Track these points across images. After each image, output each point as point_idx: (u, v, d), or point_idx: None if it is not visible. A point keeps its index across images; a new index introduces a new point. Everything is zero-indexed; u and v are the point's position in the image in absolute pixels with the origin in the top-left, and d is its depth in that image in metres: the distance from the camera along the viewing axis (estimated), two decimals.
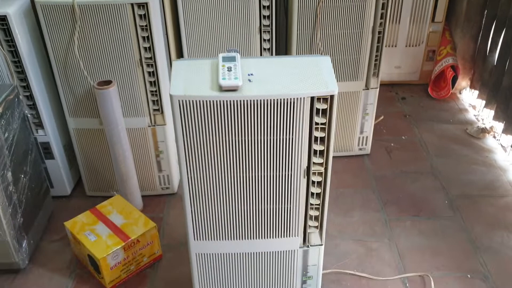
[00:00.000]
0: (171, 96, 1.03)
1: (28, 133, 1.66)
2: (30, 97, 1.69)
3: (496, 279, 1.56)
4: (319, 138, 1.11)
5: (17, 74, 1.64)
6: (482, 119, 2.37)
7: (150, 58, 1.63)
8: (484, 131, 2.25)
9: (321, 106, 1.06)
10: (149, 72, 1.66)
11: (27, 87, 1.67)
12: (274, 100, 1.03)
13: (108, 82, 1.61)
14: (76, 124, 1.78)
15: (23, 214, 1.59)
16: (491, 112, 2.29)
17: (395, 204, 1.88)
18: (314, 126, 1.09)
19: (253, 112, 1.04)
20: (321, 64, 1.12)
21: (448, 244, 1.70)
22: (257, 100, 1.03)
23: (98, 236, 1.56)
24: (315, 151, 1.13)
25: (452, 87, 2.50)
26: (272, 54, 1.83)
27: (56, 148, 1.82)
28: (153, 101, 1.72)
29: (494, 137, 2.24)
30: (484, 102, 2.35)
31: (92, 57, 1.63)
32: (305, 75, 1.08)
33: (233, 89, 1.02)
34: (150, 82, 1.68)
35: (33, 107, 1.71)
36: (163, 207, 1.90)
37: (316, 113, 1.07)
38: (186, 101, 1.03)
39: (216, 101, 1.02)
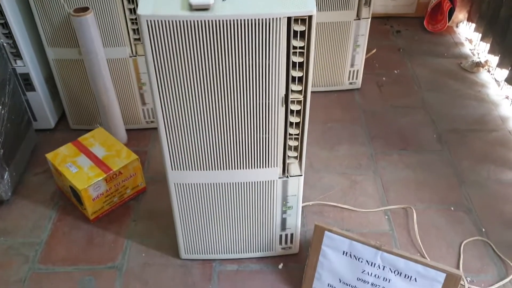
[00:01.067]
0: (138, 16, 0.97)
1: (5, 63, 1.61)
2: (6, 25, 1.62)
3: (479, 212, 1.56)
4: (297, 64, 1.07)
5: None
6: (478, 53, 2.30)
7: None
8: (478, 65, 2.19)
9: (299, 28, 1.01)
10: None
11: (0, 14, 1.60)
12: (247, 20, 0.97)
13: (85, 9, 1.54)
14: (56, 54, 1.72)
15: (4, 145, 1.57)
16: (487, 46, 2.23)
17: (383, 138, 1.85)
18: (292, 50, 1.04)
19: (226, 33, 0.99)
20: None
21: (434, 177, 1.68)
22: (229, 20, 0.97)
23: (79, 167, 1.55)
24: (294, 78, 1.08)
25: (449, 20, 2.41)
26: None
27: (37, 79, 1.77)
28: (134, 30, 1.66)
29: (489, 71, 2.18)
30: (480, 35, 2.27)
31: None
32: None
33: (204, 8, 0.97)
34: (130, 9, 1.61)
35: (9, 36, 1.64)
36: (148, 141, 1.87)
37: (294, 36, 1.02)
38: (154, 21, 0.97)
39: (186, 21, 0.97)
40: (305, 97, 1.12)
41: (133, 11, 1.62)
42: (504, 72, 2.06)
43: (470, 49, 2.34)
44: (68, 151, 1.61)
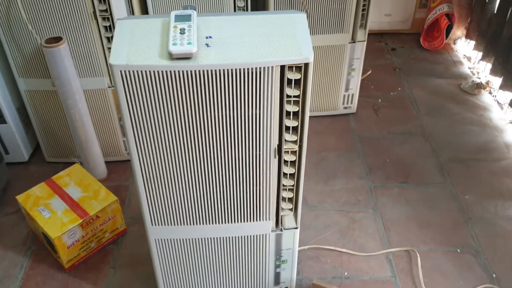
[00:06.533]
0: (110, 65, 0.84)
1: None
2: None
3: (488, 254, 1.44)
4: (291, 113, 0.95)
5: None
6: (478, 73, 2.20)
7: (106, 10, 1.43)
8: (479, 86, 2.08)
9: (293, 76, 0.89)
10: (105, 27, 1.46)
11: None
12: (235, 70, 0.85)
13: (58, 39, 1.41)
14: (28, 85, 1.58)
15: None
16: (487, 66, 2.12)
17: (382, 170, 1.73)
18: (285, 99, 0.92)
19: (211, 84, 0.87)
20: (294, 23, 0.94)
21: (437, 214, 1.57)
22: (215, 70, 0.85)
23: (53, 212, 1.41)
24: (288, 127, 0.96)
25: (446, 37, 2.31)
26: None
27: (8, 111, 1.63)
28: None
29: (490, 93, 2.08)
30: (480, 54, 2.17)
31: (39, 10, 1.41)
32: (275, 38, 0.90)
33: (186, 57, 0.84)
34: (107, 37, 1.48)
35: None
36: (129, 173, 1.74)
37: (288, 84, 0.90)
38: (129, 71, 0.85)
39: (166, 72, 0.84)
40: (300, 146, 1.00)
41: (110, 39, 1.49)
42: (508, 95, 1.95)
43: (469, 68, 2.24)
44: (41, 192, 1.48)
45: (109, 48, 1.51)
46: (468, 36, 2.32)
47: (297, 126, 0.96)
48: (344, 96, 1.92)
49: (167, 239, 1.12)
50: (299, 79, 0.90)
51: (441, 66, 2.26)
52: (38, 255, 1.47)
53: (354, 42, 1.78)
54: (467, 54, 2.32)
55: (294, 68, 0.88)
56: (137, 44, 0.88)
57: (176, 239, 1.12)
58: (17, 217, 1.58)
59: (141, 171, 0.99)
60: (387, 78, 2.18)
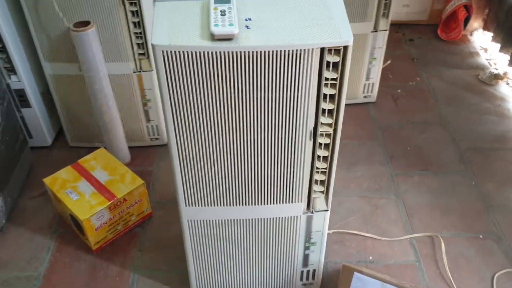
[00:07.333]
0: (153, 46, 0.86)
1: None
2: None
3: (510, 240, 1.46)
4: (328, 96, 0.96)
5: None
6: (495, 64, 2.20)
7: None
8: (497, 77, 2.09)
9: (332, 58, 0.90)
10: (132, 12, 1.47)
11: None
12: (277, 51, 0.86)
13: (86, 23, 1.42)
14: (54, 69, 1.60)
15: None
16: (505, 57, 2.13)
17: (402, 158, 1.75)
18: (323, 82, 0.93)
19: (252, 65, 0.88)
20: (331, 7, 0.95)
21: (459, 201, 1.58)
22: (256, 52, 0.86)
23: (80, 194, 1.43)
24: (324, 110, 0.98)
25: (464, 28, 2.31)
26: None
27: (32, 95, 1.65)
28: (138, 44, 1.54)
29: (508, 83, 2.08)
30: (498, 45, 2.17)
31: None
32: (314, 21, 0.91)
33: (227, 38, 0.86)
34: (134, 23, 1.50)
35: (3, 50, 1.52)
36: (153, 159, 1.76)
37: (326, 67, 0.91)
38: (171, 52, 0.86)
39: (208, 53, 0.86)
40: (335, 129, 1.01)
41: (137, 24, 1.50)
42: None
43: (486, 59, 2.24)
44: (68, 175, 1.50)
45: (135, 33, 1.52)
46: (485, 27, 2.32)
47: (333, 109, 0.98)
48: (365, 85, 1.93)
49: (200, 220, 1.14)
50: (337, 62, 0.91)
51: (458, 57, 2.27)
52: (65, 238, 1.50)
53: (376, 31, 1.79)
54: (484, 45, 2.32)
55: (333, 50, 0.89)
56: (178, 26, 0.89)
57: (209, 220, 1.14)
58: (42, 200, 1.60)
59: (178, 151, 1.01)
60: (405, 68, 2.19)
